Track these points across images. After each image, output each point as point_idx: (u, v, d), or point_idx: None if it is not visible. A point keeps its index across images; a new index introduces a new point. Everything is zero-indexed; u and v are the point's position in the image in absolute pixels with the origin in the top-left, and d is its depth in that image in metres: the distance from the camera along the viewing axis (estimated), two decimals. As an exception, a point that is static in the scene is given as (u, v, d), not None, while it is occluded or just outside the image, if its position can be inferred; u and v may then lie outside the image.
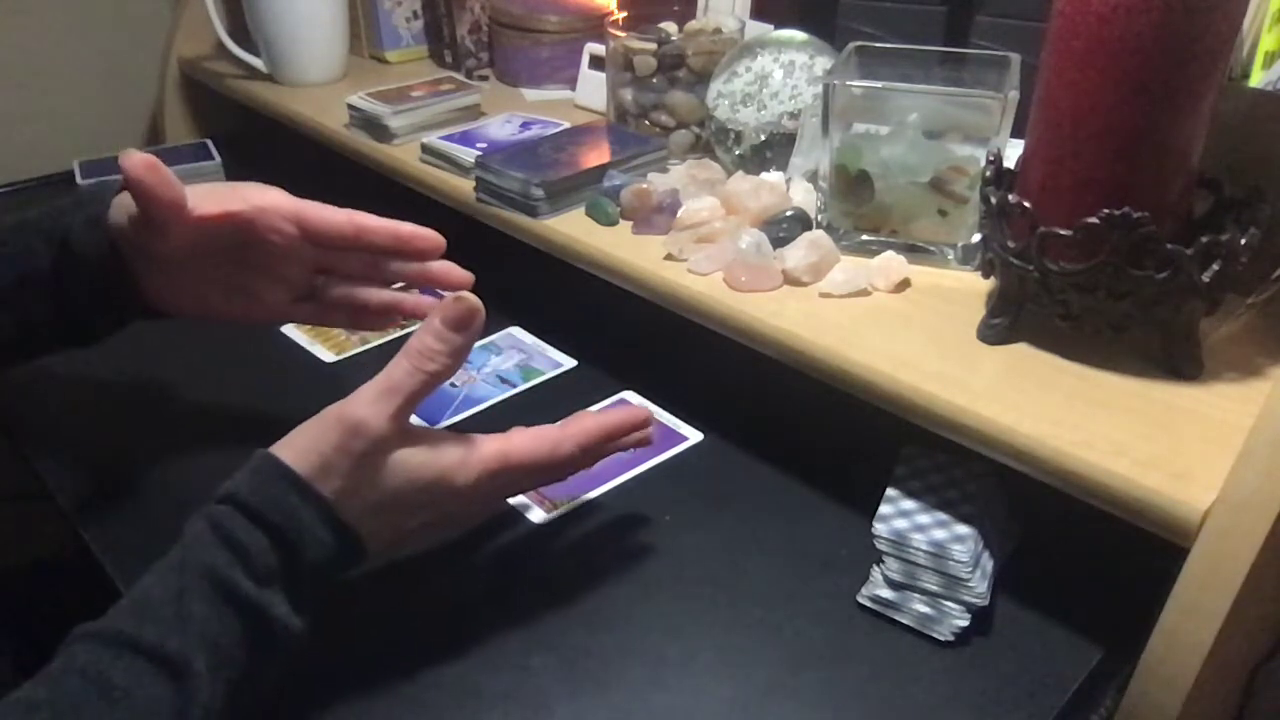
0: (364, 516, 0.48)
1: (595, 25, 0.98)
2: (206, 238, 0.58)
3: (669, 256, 0.68)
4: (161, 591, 0.44)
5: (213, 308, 0.63)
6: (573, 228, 0.73)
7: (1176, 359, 0.54)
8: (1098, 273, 0.51)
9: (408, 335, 0.83)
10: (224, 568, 0.45)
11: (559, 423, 0.54)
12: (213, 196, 0.58)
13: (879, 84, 0.67)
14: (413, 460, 0.49)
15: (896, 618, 0.55)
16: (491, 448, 0.51)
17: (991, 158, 0.58)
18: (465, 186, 0.80)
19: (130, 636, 0.43)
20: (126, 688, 0.42)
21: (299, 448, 0.48)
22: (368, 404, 0.48)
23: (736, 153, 0.78)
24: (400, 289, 0.64)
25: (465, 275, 0.61)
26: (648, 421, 0.57)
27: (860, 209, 0.67)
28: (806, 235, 0.66)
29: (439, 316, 0.50)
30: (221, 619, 0.44)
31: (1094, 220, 0.50)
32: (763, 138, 0.76)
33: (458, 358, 0.50)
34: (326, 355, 0.81)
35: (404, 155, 0.88)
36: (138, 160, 0.53)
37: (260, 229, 0.59)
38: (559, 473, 0.55)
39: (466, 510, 0.54)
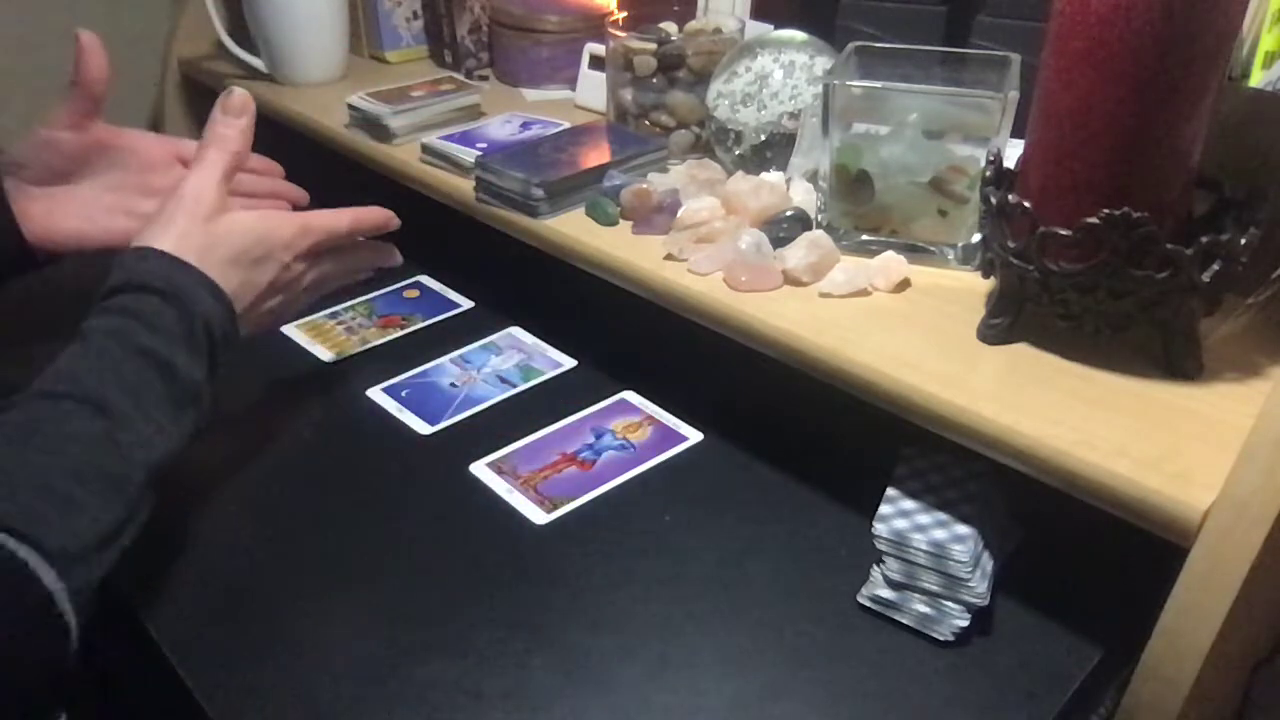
0: (221, 273, 0.58)
1: (595, 25, 0.98)
2: (100, 150, 0.71)
3: (669, 256, 0.68)
4: (71, 356, 0.51)
5: (96, 227, 0.70)
6: (573, 228, 0.73)
7: (1176, 359, 0.54)
8: (1098, 273, 0.51)
9: (408, 335, 0.84)
10: (124, 325, 0.52)
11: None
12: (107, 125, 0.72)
13: (879, 84, 0.67)
14: (247, 218, 0.61)
15: (896, 618, 0.55)
16: (295, 213, 0.65)
17: (991, 158, 0.58)
18: (465, 186, 0.80)
19: (49, 390, 0.49)
20: (50, 417, 0.48)
21: (158, 229, 0.58)
22: (202, 179, 0.60)
23: (736, 153, 0.78)
24: None
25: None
26: (393, 226, 0.72)
27: (860, 209, 0.67)
28: (806, 235, 0.66)
29: (220, 109, 0.63)
30: (132, 367, 0.51)
31: (1094, 220, 0.50)
32: (763, 138, 0.76)
33: (245, 137, 0.64)
34: (326, 355, 0.81)
35: (404, 155, 0.88)
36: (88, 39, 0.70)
37: (143, 147, 0.73)
38: (343, 259, 0.70)
39: (298, 275, 0.65)
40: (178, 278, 0.55)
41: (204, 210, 0.58)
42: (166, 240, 0.57)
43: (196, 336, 0.55)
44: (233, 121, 0.63)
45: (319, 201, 0.62)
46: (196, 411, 0.55)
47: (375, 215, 0.70)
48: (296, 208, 0.75)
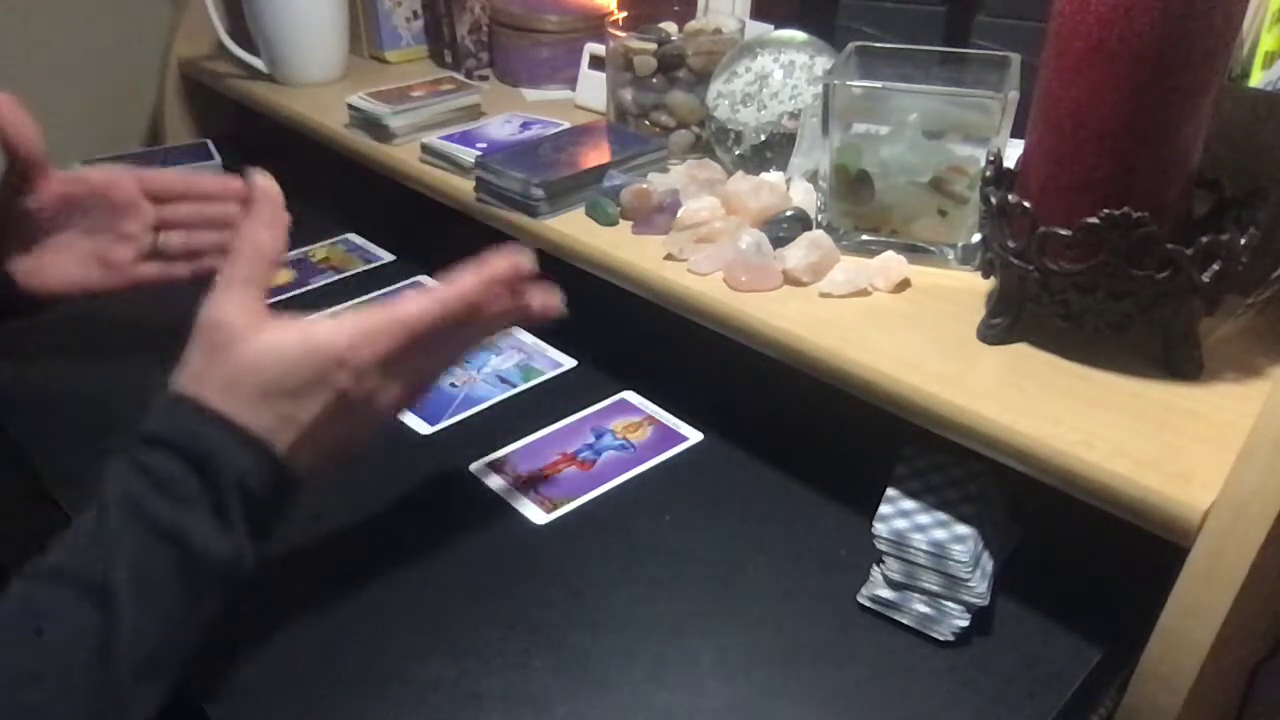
0: (253, 411, 0.47)
1: (595, 25, 0.98)
2: (66, 203, 0.69)
3: (669, 256, 0.68)
4: (83, 528, 0.46)
5: (71, 278, 0.70)
6: (573, 228, 0.73)
7: (1176, 359, 0.54)
8: (1098, 273, 0.51)
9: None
10: (141, 495, 0.45)
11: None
12: (67, 174, 0.69)
13: (879, 84, 0.67)
14: (281, 338, 0.49)
15: (896, 618, 0.55)
16: (365, 311, 0.51)
17: (991, 158, 0.58)
18: (465, 186, 0.80)
19: (53, 567, 0.44)
20: (50, 613, 0.43)
21: (181, 372, 0.49)
22: (215, 302, 0.50)
23: (736, 153, 0.78)
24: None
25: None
26: (526, 271, 0.55)
27: (860, 209, 0.67)
28: (806, 235, 0.66)
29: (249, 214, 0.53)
30: (143, 546, 0.44)
31: (1094, 220, 0.50)
32: (763, 138, 0.76)
33: (274, 228, 0.52)
34: (326, 355, 0.81)
35: (404, 155, 0.88)
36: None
37: (109, 189, 0.70)
38: (457, 337, 0.55)
39: (371, 391, 0.51)
40: (203, 432, 0.47)
41: (224, 337, 0.48)
42: (186, 381, 0.48)
43: (226, 504, 0.46)
44: (255, 216, 0.52)
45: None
46: (222, 586, 0.47)
47: (497, 270, 0.54)
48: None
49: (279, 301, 0.88)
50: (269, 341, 0.48)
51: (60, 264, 0.70)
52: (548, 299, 0.58)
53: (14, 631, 0.42)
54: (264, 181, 0.53)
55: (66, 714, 0.42)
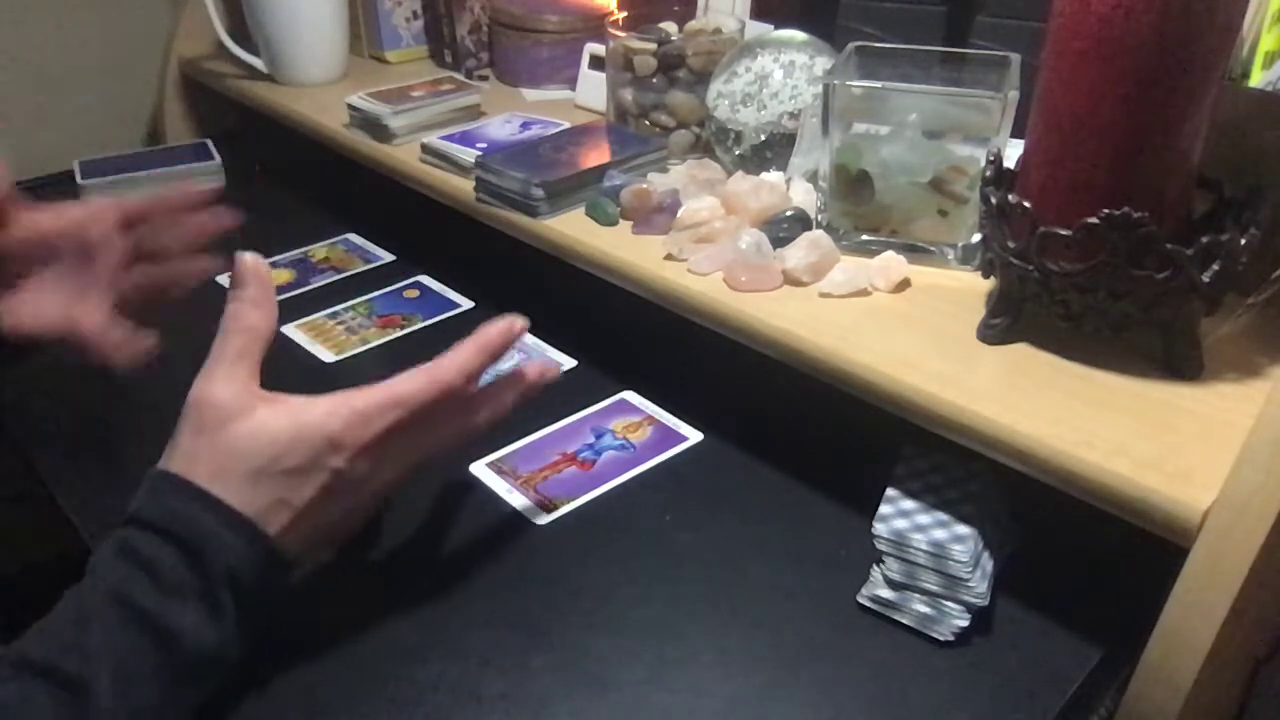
0: (244, 494, 0.46)
1: (595, 25, 0.98)
2: (38, 244, 0.62)
3: (669, 256, 0.68)
4: (66, 613, 0.44)
5: (47, 320, 0.63)
6: (573, 228, 0.73)
7: (1176, 359, 0.54)
8: (1098, 273, 0.51)
9: (408, 335, 0.84)
10: (128, 583, 0.44)
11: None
12: (44, 210, 0.63)
13: (879, 84, 0.67)
14: (273, 419, 0.48)
15: (896, 618, 0.55)
16: (360, 391, 0.50)
17: (991, 158, 0.58)
18: (465, 186, 0.80)
19: (28, 658, 0.42)
20: (18, 708, 0.41)
21: (170, 452, 0.48)
22: (205, 380, 0.48)
23: (736, 153, 0.78)
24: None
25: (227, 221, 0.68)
26: (520, 331, 0.55)
27: (860, 209, 0.67)
28: (806, 235, 0.66)
29: (233, 279, 0.51)
30: (126, 637, 0.43)
31: (1094, 220, 0.50)
32: (763, 138, 0.76)
33: (260, 307, 0.51)
34: (326, 355, 0.81)
35: (404, 155, 0.88)
36: None
37: (83, 226, 0.63)
38: (456, 414, 0.54)
39: (366, 474, 0.50)
40: (193, 515, 0.45)
41: (214, 417, 0.47)
42: (175, 460, 0.47)
43: (217, 593, 0.45)
44: (241, 294, 0.51)
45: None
46: (207, 677, 0.46)
47: (490, 341, 0.54)
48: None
49: (279, 301, 0.88)
50: (262, 422, 0.47)
51: (36, 307, 0.64)
52: (545, 368, 0.58)
53: None
54: (250, 259, 0.52)
55: None
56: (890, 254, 0.64)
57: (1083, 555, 0.58)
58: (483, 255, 0.90)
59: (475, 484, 0.66)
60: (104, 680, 0.41)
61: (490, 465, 0.68)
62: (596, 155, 0.79)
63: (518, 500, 0.64)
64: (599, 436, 0.70)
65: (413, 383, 0.51)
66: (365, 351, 0.81)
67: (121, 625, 0.43)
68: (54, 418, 0.74)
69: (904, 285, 0.63)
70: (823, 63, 0.76)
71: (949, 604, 0.53)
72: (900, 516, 0.55)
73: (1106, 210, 0.49)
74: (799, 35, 0.77)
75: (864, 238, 0.67)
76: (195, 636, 0.44)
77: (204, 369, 0.49)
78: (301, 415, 0.48)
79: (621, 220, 0.73)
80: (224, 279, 0.82)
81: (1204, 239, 0.49)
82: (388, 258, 0.96)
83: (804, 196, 0.71)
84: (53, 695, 0.41)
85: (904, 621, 0.54)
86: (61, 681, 0.41)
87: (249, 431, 0.47)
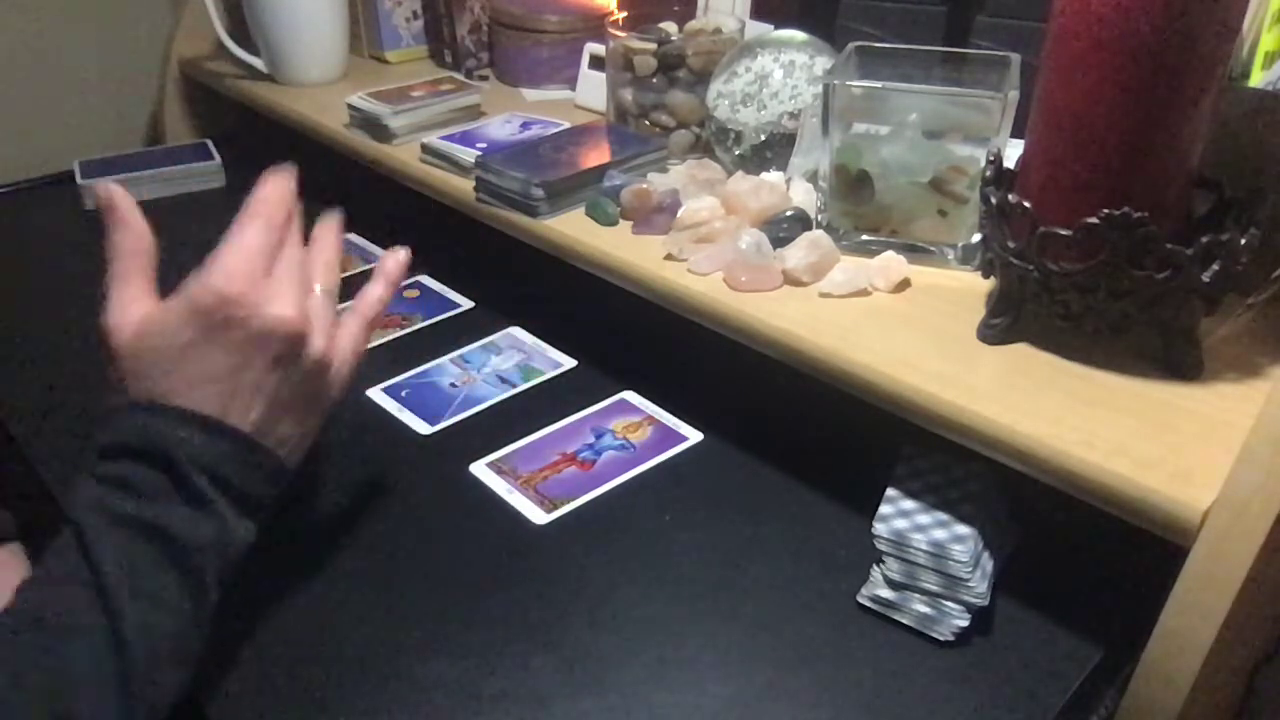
0: (172, 387, 0.48)
1: (595, 25, 0.98)
2: None
3: (669, 256, 0.68)
4: (63, 539, 0.46)
5: None
6: (573, 228, 0.73)
7: (1176, 359, 0.54)
8: (1098, 273, 0.51)
9: (408, 335, 0.84)
10: (109, 500, 0.46)
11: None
12: None
13: (879, 84, 0.67)
14: (161, 312, 0.49)
15: (896, 618, 0.55)
16: (214, 254, 0.50)
17: (991, 158, 0.58)
18: (465, 186, 0.80)
19: (42, 577, 0.45)
20: (56, 614, 0.43)
21: (106, 384, 0.50)
22: (106, 313, 0.49)
23: (736, 153, 0.78)
24: None
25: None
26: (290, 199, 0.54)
27: (860, 209, 0.67)
28: (806, 235, 0.66)
29: (100, 213, 0.51)
30: (124, 544, 0.45)
31: (1094, 220, 0.50)
32: (763, 138, 0.76)
33: (128, 226, 0.51)
34: (326, 355, 0.81)
35: (404, 155, 0.88)
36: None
37: None
38: (287, 264, 0.53)
39: (245, 306, 0.49)
40: (140, 425, 0.47)
41: (122, 336, 0.49)
42: (107, 394, 0.49)
43: (193, 485, 0.47)
44: (109, 222, 0.51)
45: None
46: (218, 566, 0.48)
47: (276, 185, 0.54)
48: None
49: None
50: (154, 319, 0.49)
51: None
52: (397, 254, 0.61)
53: (23, 650, 0.42)
54: (102, 189, 0.52)
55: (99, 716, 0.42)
56: (890, 254, 0.64)
57: (1083, 555, 0.58)
58: (483, 255, 0.90)
59: (475, 484, 0.66)
60: (116, 584, 0.43)
61: (490, 465, 0.68)
62: (596, 155, 0.79)
63: (518, 500, 0.64)
64: (599, 436, 0.70)
65: (240, 222, 0.51)
66: (365, 351, 0.81)
67: (116, 536, 0.45)
68: (59, 421, 0.74)
69: (904, 285, 0.63)
70: (823, 63, 0.76)
71: (949, 604, 0.53)
72: (900, 516, 0.55)
73: (1106, 210, 0.49)
74: (799, 35, 0.77)
75: (864, 238, 0.67)
76: (187, 530, 0.46)
77: (105, 300, 0.50)
78: (180, 295, 0.49)
79: (621, 220, 0.73)
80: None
81: (1204, 239, 0.49)
82: (388, 258, 0.96)
83: (804, 196, 0.71)
84: (77, 596, 0.43)
85: (904, 621, 0.54)
86: (82, 584, 0.44)
87: (149, 332, 0.49)
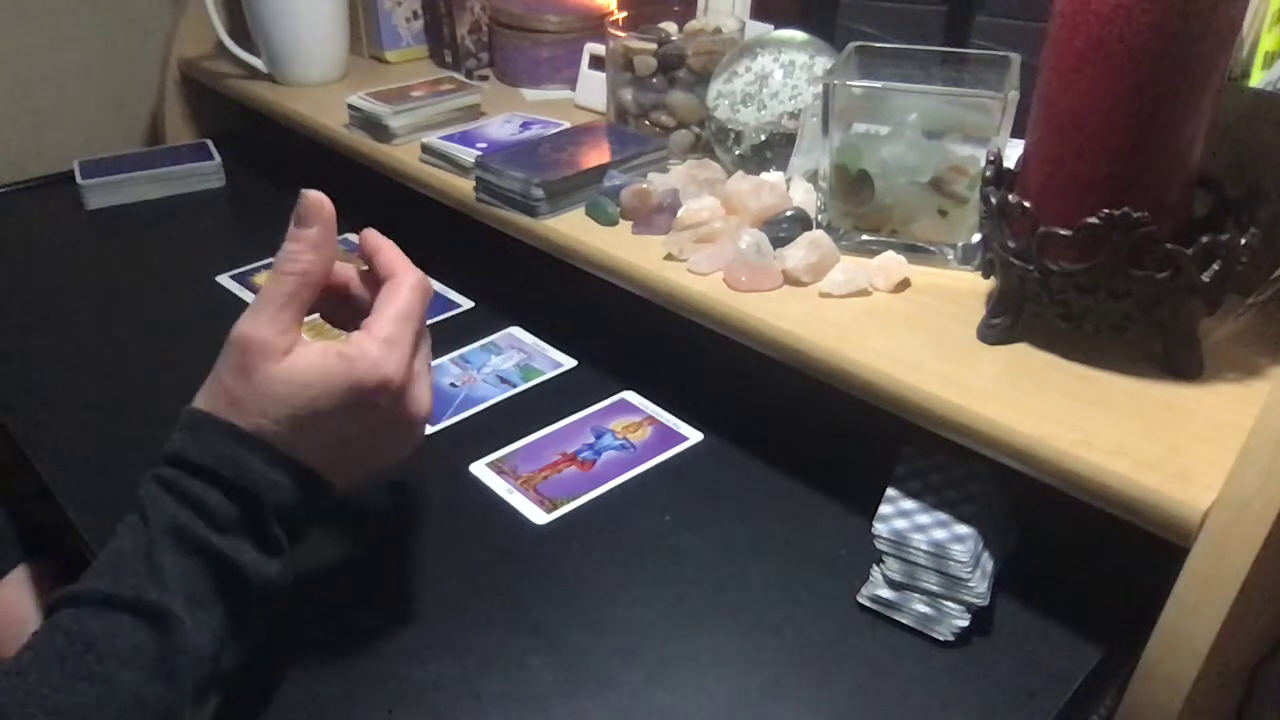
0: (290, 435, 0.47)
1: (595, 25, 0.98)
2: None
3: (669, 256, 0.68)
4: (131, 548, 0.45)
5: None
6: (573, 228, 0.73)
7: (1176, 359, 0.54)
8: (1098, 273, 0.51)
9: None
10: (186, 522, 0.45)
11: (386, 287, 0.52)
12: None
13: (879, 84, 0.67)
14: (316, 359, 0.47)
15: (896, 618, 0.55)
16: (380, 318, 0.50)
17: (991, 158, 0.58)
18: (465, 186, 0.80)
19: (105, 593, 0.44)
20: (108, 637, 0.42)
21: (210, 390, 0.48)
22: (248, 320, 0.48)
23: (736, 153, 0.78)
24: None
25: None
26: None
27: (860, 209, 0.67)
28: (806, 235, 0.66)
29: (297, 215, 0.50)
30: (192, 569, 0.45)
31: (1094, 220, 0.50)
32: (763, 138, 0.76)
33: (319, 251, 0.50)
34: (326, 355, 0.81)
35: (404, 155, 0.88)
36: None
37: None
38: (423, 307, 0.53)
39: (401, 394, 0.50)
40: (240, 459, 0.46)
41: (256, 357, 0.47)
42: (213, 400, 0.47)
43: (268, 530, 0.47)
44: (301, 233, 0.49)
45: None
46: (263, 608, 0.48)
47: (370, 233, 0.56)
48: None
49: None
50: (309, 365, 0.47)
51: None
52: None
53: (71, 654, 0.42)
54: (315, 196, 0.50)
55: None
56: (890, 254, 0.64)
57: (1083, 555, 0.58)
58: (483, 255, 0.90)
59: (475, 484, 0.66)
60: (179, 604, 0.43)
61: (490, 465, 0.68)
62: (596, 155, 0.79)
63: (518, 500, 0.64)
64: (599, 436, 0.70)
65: (409, 293, 0.51)
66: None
67: (185, 557, 0.45)
68: (58, 421, 0.74)
69: (904, 285, 0.63)
70: (823, 63, 0.76)
71: (949, 604, 0.53)
72: (900, 516, 0.55)
73: (1106, 210, 0.49)
74: (799, 35, 0.77)
75: (864, 238, 0.67)
76: (256, 570, 0.46)
77: (251, 306, 0.48)
78: (340, 352, 0.48)
79: (621, 220, 0.73)
80: (223, 279, 0.83)
81: (1204, 239, 0.49)
82: (388, 258, 0.96)
83: (804, 196, 0.71)
84: (137, 622, 0.43)
85: (904, 621, 0.54)
86: (141, 608, 0.43)
87: (293, 371, 0.47)
